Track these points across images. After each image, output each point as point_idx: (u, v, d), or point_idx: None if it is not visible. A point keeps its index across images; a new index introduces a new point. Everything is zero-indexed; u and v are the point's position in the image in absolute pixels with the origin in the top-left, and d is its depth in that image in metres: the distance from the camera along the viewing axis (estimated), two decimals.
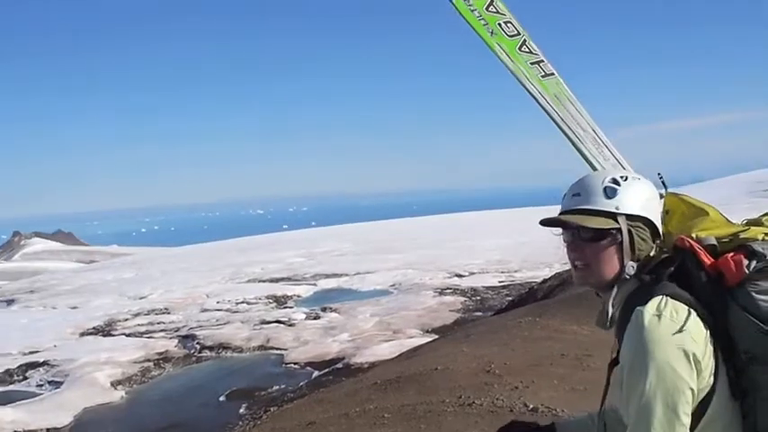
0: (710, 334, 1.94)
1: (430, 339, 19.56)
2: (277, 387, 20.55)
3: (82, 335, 29.64)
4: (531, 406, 7.22)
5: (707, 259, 2.02)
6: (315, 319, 29.26)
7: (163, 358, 24.77)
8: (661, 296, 1.96)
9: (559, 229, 2.19)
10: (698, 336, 1.91)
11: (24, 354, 26.16)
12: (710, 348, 1.93)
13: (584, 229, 2.09)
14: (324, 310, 30.76)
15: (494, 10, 3.52)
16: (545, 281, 24.48)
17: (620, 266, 2.09)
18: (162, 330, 29.11)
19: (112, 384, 22.12)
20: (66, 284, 48.45)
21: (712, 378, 1.92)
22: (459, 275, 37.81)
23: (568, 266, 2.28)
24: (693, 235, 2.09)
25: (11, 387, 22.77)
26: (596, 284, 2.14)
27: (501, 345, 10.90)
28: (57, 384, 22.43)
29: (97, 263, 77.06)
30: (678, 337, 1.89)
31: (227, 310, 32.37)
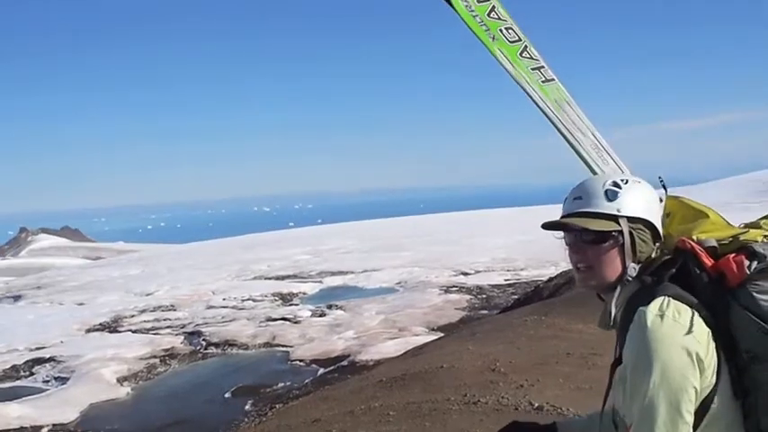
0: (712, 334, 1.95)
1: (435, 337, 19.58)
2: (282, 384, 20.57)
3: (88, 331, 29.71)
4: (537, 404, 7.23)
5: (708, 260, 2.04)
6: (320, 316, 29.28)
7: (169, 355, 24.82)
8: (663, 297, 1.98)
9: (561, 233, 2.21)
10: (700, 335, 1.92)
11: (31, 350, 26.23)
12: (713, 348, 1.94)
13: (586, 232, 2.11)
14: (329, 307, 30.78)
15: (495, 16, 3.54)
16: (551, 279, 24.49)
17: (623, 268, 2.10)
18: (168, 327, 29.16)
19: (118, 380, 22.18)
20: (73, 281, 48.54)
21: (715, 377, 1.93)
22: (465, 273, 37.77)
23: None
24: (694, 237, 2.10)
25: (17, 383, 22.83)
26: (598, 286, 2.16)
27: (506, 343, 10.91)
28: (63, 380, 22.49)
29: (103, 259, 77.23)
30: (681, 337, 1.90)
31: (232, 307, 32.40)
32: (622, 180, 2.15)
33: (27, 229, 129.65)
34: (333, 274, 41.28)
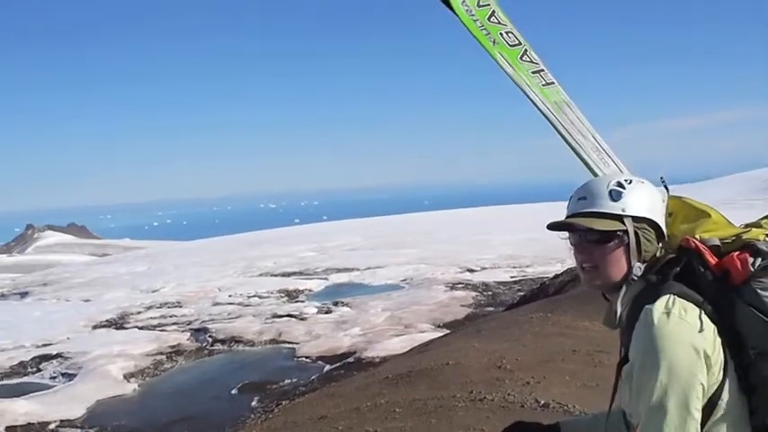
0: (718, 331, 1.97)
1: (441, 334, 19.55)
2: (288, 381, 20.58)
3: (95, 327, 29.76)
4: (543, 402, 7.23)
5: (712, 259, 2.06)
6: (326, 313, 29.28)
7: (175, 351, 24.85)
8: (669, 295, 2.00)
9: (566, 233, 2.23)
10: (707, 332, 1.94)
11: (38, 346, 26.28)
12: (719, 344, 1.96)
13: (591, 232, 2.12)
14: (335, 304, 30.78)
15: (495, 21, 3.57)
16: (557, 276, 24.43)
17: (628, 268, 2.12)
18: (174, 323, 29.20)
19: (125, 377, 22.22)
20: (79, 277, 48.66)
21: (722, 374, 1.95)
22: (471, 270, 37.71)
23: None
24: (697, 236, 2.13)
25: (24, 379, 22.88)
26: (604, 286, 2.18)
27: (512, 340, 10.91)
28: (70, 377, 22.53)
29: (110, 256, 77.39)
30: (688, 334, 1.92)
31: (239, 304, 32.41)
32: (626, 180, 2.17)
33: (33, 225, 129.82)
34: (338, 270, 41.26)
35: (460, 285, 33.23)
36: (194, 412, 18.93)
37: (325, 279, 38.86)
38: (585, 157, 3.37)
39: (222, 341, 25.88)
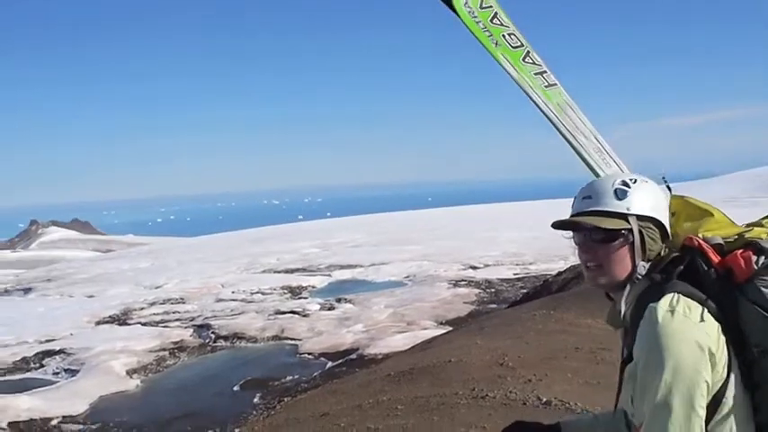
0: (722, 329, 1.97)
1: (444, 331, 19.59)
2: (291, 377, 20.63)
3: (98, 323, 29.86)
4: (545, 399, 7.22)
5: (715, 257, 2.06)
6: (329, 309, 29.34)
7: (178, 347, 24.90)
8: (673, 293, 1.99)
9: (570, 232, 2.22)
10: (711, 330, 1.94)
11: (41, 342, 26.36)
12: (723, 342, 1.95)
13: (596, 231, 2.12)
14: (338, 300, 30.85)
15: (498, 22, 3.56)
16: (560, 273, 24.44)
17: (632, 266, 2.12)
18: (177, 320, 29.27)
19: (128, 373, 22.27)
20: (83, 273, 48.78)
21: (725, 371, 1.94)
22: (474, 267, 37.77)
23: None
24: (700, 235, 2.13)
25: (27, 375, 22.95)
26: (608, 284, 2.17)
27: (515, 337, 10.91)
28: (73, 372, 22.60)
29: (113, 252, 77.50)
30: (692, 332, 1.91)
31: (242, 300, 32.49)
32: (631, 179, 2.17)
33: (37, 221, 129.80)
34: (342, 267, 41.34)
35: (463, 282, 33.28)
36: (197, 408, 18.97)
37: (329, 276, 38.94)
38: (587, 158, 3.37)
39: (225, 337, 25.94)
